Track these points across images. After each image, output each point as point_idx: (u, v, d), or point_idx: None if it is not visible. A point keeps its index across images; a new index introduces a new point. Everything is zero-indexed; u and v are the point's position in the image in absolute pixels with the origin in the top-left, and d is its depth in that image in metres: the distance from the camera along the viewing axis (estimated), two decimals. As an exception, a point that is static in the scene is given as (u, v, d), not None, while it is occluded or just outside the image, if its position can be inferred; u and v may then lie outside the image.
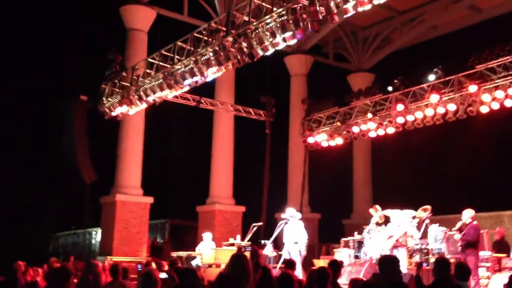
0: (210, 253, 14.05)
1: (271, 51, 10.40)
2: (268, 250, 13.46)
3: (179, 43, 12.69)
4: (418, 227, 12.31)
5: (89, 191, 18.64)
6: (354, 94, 17.24)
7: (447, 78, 14.22)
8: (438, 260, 5.47)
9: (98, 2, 19.57)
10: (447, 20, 20.51)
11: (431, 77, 14.59)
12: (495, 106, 13.48)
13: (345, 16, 9.40)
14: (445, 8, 19.53)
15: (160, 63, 13.39)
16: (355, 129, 16.93)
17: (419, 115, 15.12)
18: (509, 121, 15.06)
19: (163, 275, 8.65)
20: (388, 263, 5.38)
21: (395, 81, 15.56)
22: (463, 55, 14.46)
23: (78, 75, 20.43)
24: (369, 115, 16.09)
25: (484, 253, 11.02)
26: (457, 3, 19.14)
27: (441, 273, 5.30)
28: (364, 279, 7.46)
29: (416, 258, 11.96)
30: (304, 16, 9.18)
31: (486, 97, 13.48)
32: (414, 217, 12.67)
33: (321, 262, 14.11)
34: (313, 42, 21.70)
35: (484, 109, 13.72)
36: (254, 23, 10.15)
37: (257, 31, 10.08)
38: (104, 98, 15.20)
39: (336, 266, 6.59)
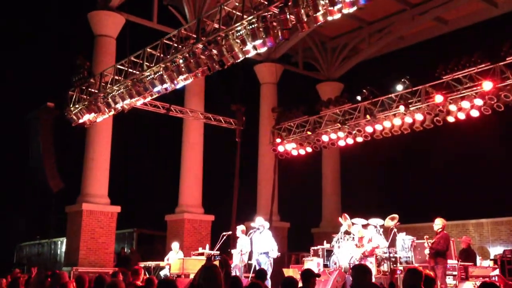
0: (178, 263, 13.86)
1: (241, 58, 10.36)
2: (237, 260, 13.36)
3: (148, 50, 12.55)
4: (386, 236, 12.40)
5: (55, 200, 18.26)
6: (324, 103, 17.35)
7: (415, 88, 14.41)
8: (410, 270, 5.47)
9: (66, 8, 19.26)
10: (414, 31, 20.88)
11: (399, 87, 14.77)
12: (461, 116, 13.72)
13: (315, 25, 9.44)
14: (412, 19, 19.89)
15: (129, 70, 13.20)
16: (325, 138, 17.02)
17: (387, 124, 15.29)
18: (474, 132, 15.37)
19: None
20: (361, 272, 5.39)
21: (364, 90, 15.70)
22: (430, 66, 14.71)
23: (45, 81, 20.05)
24: (338, 125, 16.19)
25: (451, 262, 11.14)
26: (424, 14, 19.52)
27: (413, 283, 5.28)
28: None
29: (385, 266, 12.03)
30: (275, 24, 9.18)
31: (452, 107, 13.71)
32: (382, 226, 12.78)
33: (290, 271, 14.07)
34: (282, 51, 21.81)
35: (450, 119, 13.94)
36: (225, 31, 10.10)
37: (227, 38, 10.03)
38: (71, 105, 14.91)
39: (308, 275, 6.53)
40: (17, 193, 23.56)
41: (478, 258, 13.01)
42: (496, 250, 15.71)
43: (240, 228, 13.55)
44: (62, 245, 24.12)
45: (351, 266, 5.72)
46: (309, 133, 17.02)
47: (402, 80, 14.73)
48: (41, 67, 20.63)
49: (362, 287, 5.22)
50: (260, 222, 13.06)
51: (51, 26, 20.16)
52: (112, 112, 14.42)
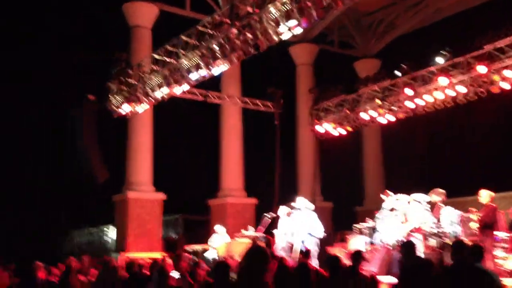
0: (223, 246, 14.07)
1: (276, 41, 10.33)
2: (280, 241, 13.46)
3: (183, 38, 12.62)
4: (433, 211, 12.24)
5: (101, 189, 18.72)
6: (362, 81, 17.12)
7: (455, 60, 14.05)
8: (456, 243, 5.44)
9: (100, 1, 19.54)
10: (451, 2, 20.28)
11: (439, 60, 14.42)
12: (506, 86, 13.34)
13: (350, 2, 9.31)
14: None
15: (166, 59, 13.34)
16: (364, 116, 16.81)
17: (428, 99, 14.98)
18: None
19: (175, 275, 8.62)
20: (409, 247, 5.42)
21: (403, 65, 15.39)
22: (470, 37, 14.28)
23: (84, 75, 20.45)
24: (378, 101, 15.94)
25: (501, 234, 10.93)
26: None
27: (460, 255, 5.28)
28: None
29: (432, 242, 11.89)
30: (309, 3, 9.10)
31: (496, 78, 13.34)
32: (428, 202, 12.61)
33: (335, 250, 14.10)
34: (317, 31, 21.58)
35: (494, 90, 13.57)
36: (258, 14, 10.07)
37: (261, 21, 10.00)
38: (111, 96, 15.20)
39: (358, 255, 6.58)
40: (65, 184, 24.24)
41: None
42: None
43: (283, 209, 13.61)
44: (109, 232, 24.78)
45: (400, 244, 5.73)
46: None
47: (442, 52, 14.37)
48: (81, 60, 21.01)
49: (411, 262, 5.23)
50: (301, 202, 13.09)
51: (87, 20, 20.48)
52: (152, 102, 14.63)
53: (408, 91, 15.02)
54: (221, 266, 5.54)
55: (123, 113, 15.31)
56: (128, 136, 18.35)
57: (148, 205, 18.15)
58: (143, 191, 18.08)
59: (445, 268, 5.24)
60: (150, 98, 14.10)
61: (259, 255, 4.16)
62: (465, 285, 4.95)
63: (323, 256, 12.65)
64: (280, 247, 13.07)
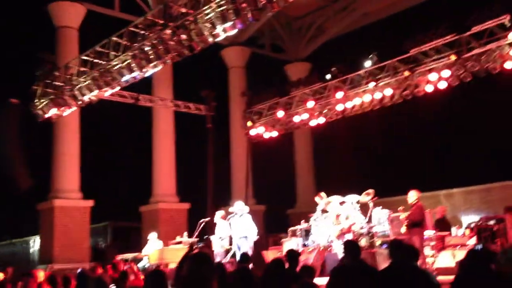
0: (157, 253, 13.73)
1: (211, 42, 10.22)
2: (217, 246, 13.33)
3: (114, 38, 12.24)
4: (363, 211, 12.53)
5: (25, 198, 17.84)
6: (294, 84, 17.32)
7: (382, 64, 14.49)
8: (393, 243, 5.52)
9: (25, 0, 18.67)
10: (378, 7, 20.94)
11: (367, 63, 14.84)
12: (429, 88, 13.89)
13: (285, 4, 9.35)
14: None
15: (95, 60, 12.88)
16: (296, 119, 17.01)
17: (357, 101, 15.37)
18: (442, 103, 15.58)
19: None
20: (353, 247, 5.45)
21: (333, 69, 15.71)
22: (397, 41, 14.78)
23: (7, 77, 19.46)
24: (309, 104, 16.18)
25: (428, 232, 11.33)
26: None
27: (398, 256, 5.34)
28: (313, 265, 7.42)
29: (363, 242, 12.15)
30: (244, 5, 9.05)
31: (420, 81, 13.87)
32: (358, 202, 12.89)
33: (270, 254, 14.12)
34: (248, 34, 21.65)
35: (419, 93, 14.11)
36: (193, 14, 9.92)
37: (196, 22, 9.86)
38: (36, 100, 14.49)
39: (294, 256, 6.56)
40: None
41: (454, 228, 13.27)
42: (468, 219, 16.06)
43: (219, 214, 13.48)
44: (35, 243, 23.69)
45: (343, 244, 5.75)
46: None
47: (370, 56, 14.80)
48: (3, 62, 19.98)
49: (353, 260, 5.26)
50: (239, 206, 13.02)
51: (10, 19, 19.49)
52: (80, 105, 14.09)
53: (338, 94, 15.35)
54: (155, 274, 5.11)
55: (49, 117, 14.63)
56: (53, 141, 17.57)
57: (75, 213, 17.42)
58: (70, 199, 17.35)
59: (384, 269, 5.28)
60: (78, 101, 13.55)
61: (206, 262, 4.02)
62: (406, 286, 5.01)
63: (258, 259, 12.65)
64: (216, 252, 12.93)
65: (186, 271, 4.06)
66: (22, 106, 15.70)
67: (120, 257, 14.70)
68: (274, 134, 18.10)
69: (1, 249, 27.77)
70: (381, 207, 12.80)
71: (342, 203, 13.12)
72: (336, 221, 12.63)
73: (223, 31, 9.79)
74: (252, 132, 18.43)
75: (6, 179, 17.50)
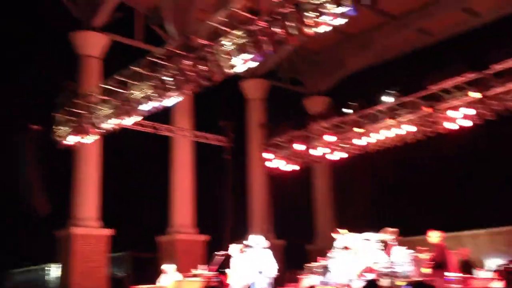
0: (173, 285, 13.51)
1: (230, 74, 10.23)
2: (233, 280, 13.05)
3: (134, 68, 12.33)
4: (385, 250, 12.19)
5: (42, 224, 17.85)
6: (313, 117, 17.26)
7: (403, 100, 14.34)
8: (418, 285, 5.26)
9: (48, 29, 19.02)
10: (398, 43, 20.85)
11: (387, 99, 14.70)
12: (451, 126, 13.67)
13: (303, 38, 9.33)
14: (395, 31, 19.91)
15: (115, 89, 12.96)
16: (315, 152, 16.86)
17: (377, 137, 15.19)
18: (466, 141, 15.28)
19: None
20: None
21: (353, 103, 15.61)
22: (417, 77, 14.68)
23: (29, 104, 19.72)
24: (329, 138, 16.05)
25: (451, 274, 10.94)
26: (407, 26, 19.57)
27: None
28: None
29: (384, 282, 11.79)
30: (263, 37, 9.06)
31: (441, 118, 13.67)
32: (380, 240, 12.55)
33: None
34: (268, 67, 21.70)
35: (441, 130, 13.89)
36: (213, 46, 9.96)
37: (215, 54, 9.89)
38: (57, 127, 14.61)
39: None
40: (2, 219, 23.05)
41: (476, 270, 12.84)
42: (492, 261, 15.56)
43: (235, 247, 13.23)
44: (51, 271, 23.62)
45: (365, 285, 5.47)
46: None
47: (390, 92, 14.67)
48: (25, 89, 20.29)
49: None
50: (255, 240, 12.76)
51: (34, 46, 19.88)
52: (100, 133, 14.16)
53: (357, 129, 15.20)
54: None
55: (69, 144, 14.72)
56: (73, 168, 17.62)
57: (94, 242, 17.32)
58: (89, 227, 17.28)
59: None
60: (98, 129, 13.61)
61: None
62: None
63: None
64: (235, 287, 12.64)
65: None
66: (42, 132, 15.90)
67: (136, 288, 14.51)
68: (294, 167, 17.93)
69: (17, 277, 27.74)
70: (406, 247, 12.42)
71: (363, 240, 12.79)
72: (358, 258, 12.30)
73: (242, 63, 9.79)
74: (271, 165, 18.30)
75: (24, 204, 17.59)
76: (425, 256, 10.93)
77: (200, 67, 10.27)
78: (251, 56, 9.52)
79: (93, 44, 18.05)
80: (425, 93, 13.77)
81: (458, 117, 13.37)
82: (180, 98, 11.83)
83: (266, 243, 12.83)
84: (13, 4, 18.11)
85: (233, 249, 13.08)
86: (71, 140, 14.50)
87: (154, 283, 14.76)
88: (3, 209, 21.75)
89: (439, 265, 10.29)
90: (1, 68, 20.11)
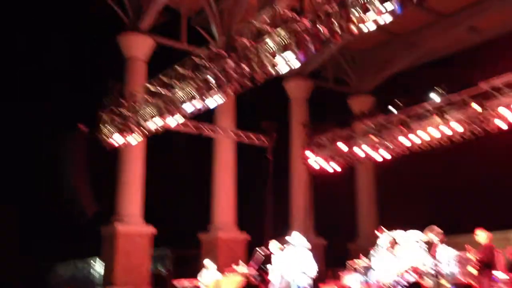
0: (213, 283, 13.67)
1: (273, 74, 10.24)
2: (273, 278, 13.07)
3: (178, 68, 12.50)
4: (430, 250, 11.97)
5: (90, 220, 18.34)
6: (356, 116, 17.06)
7: (451, 98, 14.01)
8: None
9: (96, 31, 19.54)
10: (446, 42, 20.45)
11: (434, 97, 14.38)
12: (501, 125, 13.27)
13: (348, 37, 9.26)
14: (444, 30, 19.52)
15: (160, 90, 13.18)
16: (359, 152, 16.66)
17: (423, 136, 14.87)
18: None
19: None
20: None
21: (398, 102, 15.34)
22: (466, 76, 14.31)
23: (77, 104, 20.28)
24: (373, 138, 15.83)
25: (500, 275, 10.67)
26: (457, 24, 19.14)
27: None
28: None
29: (428, 282, 11.59)
30: (307, 36, 9.04)
31: (491, 116, 13.28)
32: (425, 241, 12.33)
33: (327, 287, 13.75)
34: (312, 67, 21.68)
35: (490, 129, 13.50)
36: (255, 46, 10.00)
37: (258, 53, 9.93)
38: (103, 127, 14.97)
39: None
40: (50, 214, 23.77)
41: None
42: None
43: (275, 244, 13.24)
44: (96, 265, 24.22)
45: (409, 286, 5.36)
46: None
47: (438, 89, 14.34)
48: (73, 89, 20.89)
49: None
50: (297, 238, 12.76)
51: (81, 47, 20.45)
52: (145, 134, 14.42)
53: (403, 128, 14.93)
54: None
55: (115, 144, 15.05)
56: (119, 168, 18.06)
57: (137, 239, 17.73)
58: (132, 224, 17.69)
59: None
60: (143, 129, 13.87)
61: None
62: None
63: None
64: (275, 284, 12.67)
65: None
66: (90, 132, 16.30)
67: (178, 283, 14.75)
68: (336, 167, 17.76)
69: (63, 269, 28.54)
70: (450, 247, 12.19)
71: (407, 239, 12.59)
72: (399, 257, 12.12)
73: (286, 63, 9.79)
74: (313, 164, 18.20)
75: (73, 205, 18.10)
76: (472, 256, 10.68)
77: (243, 67, 10.32)
78: (294, 55, 9.50)
79: (139, 46, 18.45)
80: (475, 91, 13.39)
81: (508, 116, 12.94)
82: (223, 99, 11.91)
83: (307, 244, 12.80)
84: (65, 6, 18.67)
85: (273, 246, 13.11)
86: (116, 139, 14.81)
87: (195, 278, 14.97)
88: (51, 205, 22.45)
89: (487, 265, 10.04)
90: (51, 69, 20.79)
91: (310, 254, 12.50)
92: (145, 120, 13.64)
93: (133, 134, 14.24)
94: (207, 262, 15.01)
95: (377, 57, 22.17)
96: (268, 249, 13.58)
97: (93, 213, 17.44)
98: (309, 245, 12.77)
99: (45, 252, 26.25)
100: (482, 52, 19.04)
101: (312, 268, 12.31)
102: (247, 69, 10.28)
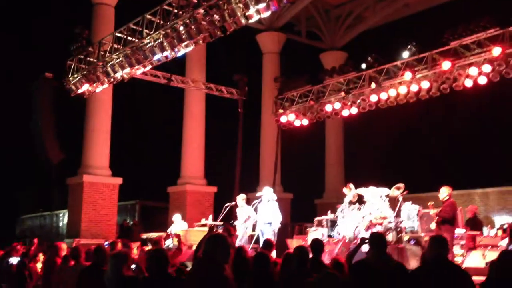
0: (182, 234, 13.70)
1: (244, 24, 10.02)
2: (241, 231, 13.21)
3: (147, 16, 12.16)
4: (392, 206, 12.21)
5: (56, 172, 18.09)
6: (328, 72, 16.93)
7: (421, 55, 14.02)
8: (436, 239, 5.18)
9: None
10: (420, -2, 20.38)
11: (405, 54, 14.38)
12: (469, 83, 13.38)
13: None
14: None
15: (128, 38, 12.83)
16: (328, 108, 16.68)
17: (392, 93, 14.94)
18: (480, 99, 15.06)
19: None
20: (379, 240, 5.21)
21: (369, 58, 15.30)
22: (437, 33, 14.28)
23: (43, 51, 19.68)
24: (343, 94, 15.84)
25: (459, 231, 10.98)
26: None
27: (438, 251, 4.97)
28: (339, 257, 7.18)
29: (390, 236, 11.86)
30: (279, -14, 8.82)
31: (459, 74, 13.36)
32: (387, 196, 12.56)
33: (294, 242, 13.96)
34: (285, 20, 21.36)
35: (458, 87, 13.60)
36: (227, -5, 9.74)
37: (229, 2, 9.67)
38: (69, 75, 14.58)
39: (319, 244, 6.37)
40: (18, 165, 23.40)
41: (486, 228, 12.86)
42: (502, 219, 15.57)
43: (241, 197, 13.34)
44: (64, 217, 24.12)
45: (369, 236, 5.45)
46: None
47: (408, 46, 14.33)
48: (39, 36, 20.22)
49: (381, 253, 4.99)
50: (266, 192, 12.86)
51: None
52: (112, 82, 14.11)
53: (373, 85, 14.95)
54: (156, 252, 5.04)
55: (81, 92, 14.71)
56: (86, 117, 17.71)
57: (104, 190, 17.60)
58: (99, 175, 17.52)
59: (425, 266, 4.97)
60: (110, 77, 13.55)
61: (220, 244, 3.88)
62: (446, 283, 4.71)
63: (281, 247, 12.48)
64: (240, 237, 12.82)
65: (201, 253, 3.94)
66: (55, 80, 15.87)
67: (145, 235, 14.79)
68: (305, 122, 17.80)
69: (31, 221, 28.39)
70: (410, 202, 12.47)
71: (371, 195, 12.77)
72: (365, 213, 12.34)
73: (257, 13, 9.58)
74: (283, 119, 18.19)
75: (38, 150, 17.77)
76: (432, 211, 10.94)
77: (214, 16, 10.06)
78: (266, 5, 9.28)
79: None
80: (444, 48, 13.41)
81: (476, 74, 13.04)
82: (191, 48, 11.66)
83: (274, 195, 12.93)
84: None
85: (239, 199, 13.20)
86: (83, 88, 14.46)
87: (163, 231, 15.02)
88: (17, 155, 22.06)
89: (447, 221, 10.28)
90: (16, 17, 20.03)
91: (277, 206, 12.65)
92: (113, 68, 13.29)
93: (100, 82, 13.89)
94: (175, 216, 15.06)
95: (350, 12, 21.97)
96: (236, 203, 13.68)
97: (58, 160, 17.14)
98: (275, 196, 12.92)
99: (13, 204, 25.99)
100: (454, 10, 19.00)
101: (277, 220, 12.48)
102: (217, 18, 10.03)
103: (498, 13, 12.95)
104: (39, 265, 10.12)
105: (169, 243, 14.07)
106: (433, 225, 10.82)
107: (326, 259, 11.58)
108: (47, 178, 21.53)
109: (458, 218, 11.21)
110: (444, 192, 10.75)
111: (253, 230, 13.13)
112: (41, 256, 10.35)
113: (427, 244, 5.26)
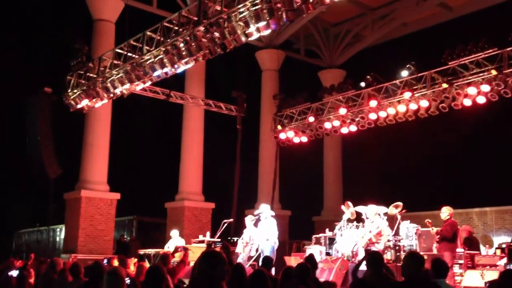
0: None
1: (244, 41, 10.09)
2: (240, 248, 13.16)
3: (148, 33, 12.26)
4: (390, 224, 12.18)
5: (54, 187, 18.02)
6: (327, 90, 17.04)
7: (420, 74, 14.14)
8: (409, 255, 5.09)
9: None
10: (418, 18, 20.53)
11: (404, 73, 14.50)
12: (467, 102, 13.46)
13: (321, 7, 9.16)
14: (416, 6, 19.52)
15: (128, 54, 12.91)
16: (327, 125, 16.75)
17: (391, 111, 15.02)
18: (479, 119, 15.12)
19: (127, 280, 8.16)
20: (376, 258, 5.18)
21: (368, 77, 15.41)
22: (435, 52, 14.41)
23: (43, 66, 19.74)
24: (342, 111, 15.91)
25: (458, 250, 10.95)
26: (428, 1, 19.17)
27: (413, 269, 4.84)
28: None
29: (388, 255, 11.82)
30: (279, 5, 8.89)
31: (458, 93, 13.45)
32: (385, 214, 12.54)
33: (292, 259, 13.89)
34: (284, 37, 21.48)
35: (456, 106, 13.68)
36: (227, 12, 9.81)
37: (230, 20, 9.74)
38: (69, 90, 14.63)
39: (313, 261, 6.35)
40: (15, 180, 23.33)
41: (484, 247, 12.83)
42: (500, 239, 15.53)
43: (250, 218, 13.30)
44: (61, 232, 23.99)
45: (366, 254, 5.42)
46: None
47: (407, 66, 14.45)
48: (39, 51, 20.30)
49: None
50: (264, 209, 12.84)
51: (49, 9, 19.81)
52: (111, 97, 14.15)
53: (372, 103, 15.03)
54: (154, 269, 5.02)
55: (80, 107, 14.74)
56: (84, 132, 17.71)
57: (102, 205, 17.53)
58: (97, 190, 17.46)
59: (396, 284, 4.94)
60: (110, 93, 13.60)
61: (216, 261, 3.87)
62: None
63: (279, 264, 12.42)
64: (242, 255, 12.78)
65: (197, 270, 3.93)
66: (55, 95, 15.90)
67: (142, 251, 14.72)
68: (304, 139, 17.86)
69: (27, 236, 28.22)
70: (409, 221, 12.45)
71: (370, 214, 12.74)
72: (365, 231, 12.30)
73: (257, 31, 9.65)
74: (282, 136, 18.24)
75: (35, 166, 17.73)
76: (432, 230, 10.93)
77: (214, 34, 10.13)
78: (266, 23, 9.35)
79: (107, 8, 17.91)
80: (443, 68, 13.52)
81: (474, 94, 13.12)
82: (191, 65, 11.72)
83: (272, 212, 12.93)
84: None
85: (248, 219, 13.17)
86: (82, 103, 14.50)
87: (160, 247, 14.95)
88: (15, 171, 22.00)
89: (448, 239, 10.27)
90: (16, 30, 20.12)
91: (275, 222, 12.63)
92: (113, 84, 13.35)
93: (99, 98, 13.94)
94: (173, 232, 15.01)
95: (349, 30, 22.11)
96: (234, 220, 13.65)
97: (56, 175, 17.08)
98: (273, 213, 12.91)
99: (10, 219, 25.87)
100: (453, 30, 19.16)
101: (274, 235, 12.45)
102: (217, 35, 10.10)
103: (496, 34, 13.08)
104: (31, 280, 10.06)
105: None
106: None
107: (324, 276, 11.56)
108: (44, 192, 21.47)
109: (458, 238, 11.19)
110: (445, 212, 10.78)
111: (256, 251, 13.09)
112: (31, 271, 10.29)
113: (403, 261, 5.22)
